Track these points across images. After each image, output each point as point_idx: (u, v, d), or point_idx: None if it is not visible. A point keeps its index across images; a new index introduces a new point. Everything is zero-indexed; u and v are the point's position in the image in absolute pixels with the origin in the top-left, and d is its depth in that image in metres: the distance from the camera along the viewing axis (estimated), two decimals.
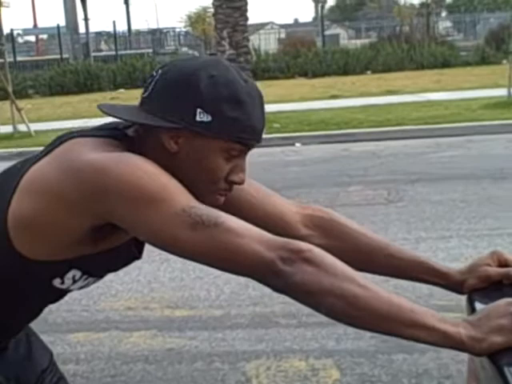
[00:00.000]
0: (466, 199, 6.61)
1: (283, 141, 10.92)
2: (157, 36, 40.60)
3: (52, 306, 1.70)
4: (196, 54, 25.07)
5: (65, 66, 23.60)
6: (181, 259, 1.39)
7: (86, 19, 29.14)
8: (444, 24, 49.99)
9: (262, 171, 7.55)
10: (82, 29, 30.35)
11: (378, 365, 3.52)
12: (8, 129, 13.11)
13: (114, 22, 30.40)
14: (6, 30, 27.87)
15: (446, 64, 21.95)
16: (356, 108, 13.53)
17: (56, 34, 30.34)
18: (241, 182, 1.48)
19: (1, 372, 1.64)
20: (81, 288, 1.57)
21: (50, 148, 1.45)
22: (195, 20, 25.15)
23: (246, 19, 12.45)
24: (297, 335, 3.91)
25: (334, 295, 1.26)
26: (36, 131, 12.95)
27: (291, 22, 71.22)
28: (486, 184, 7.14)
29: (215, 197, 1.47)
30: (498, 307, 1.26)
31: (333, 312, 1.29)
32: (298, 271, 1.27)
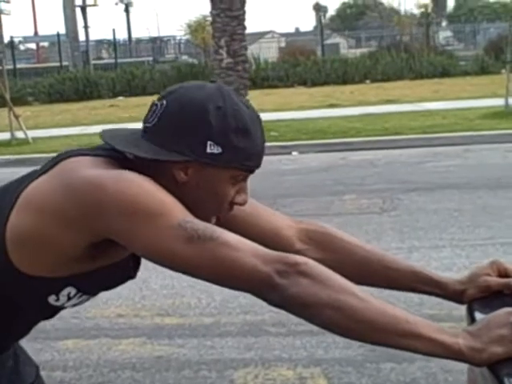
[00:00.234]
0: (460, 208, 6.61)
1: (280, 149, 10.91)
2: (157, 44, 40.76)
3: None
4: (195, 61, 25.08)
5: (64, 73, 23.66)
6: None
7: (85, 27, 29.25)
8: (444, 34, 50.12)
9: (258, 179, 7.50)
10: (82, 37, 30.49)
11: (366, 374, 3.51)
12: (6, 136, 13.12)
13: (113, 30, 30.47)
14: (6, 38, 28.02)
15: (445, 73, 21.96)
16: (354, 117, 13.54)
17: (57, 41, 30.41)
18: (243, 203, 1.51)
19: None
20: (74, 305, 1.58)
21: (48, 166, 1.47)
22: (195, 28, 25.19)
23: (244, 28, 12.47)
24: (286, 344, 3.90)
25: (331, 307, 1.26)
26: (34, 138, 12.96)
27: (292, 30, 71.45)
28: (481, 193, 7.13)
29: (213, 218, 1.50)
30: (498, 317, 1.25)
31: (330, 324, 1.29)
32: (293, 284, 1.28)
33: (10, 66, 26.24)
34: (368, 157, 10.03)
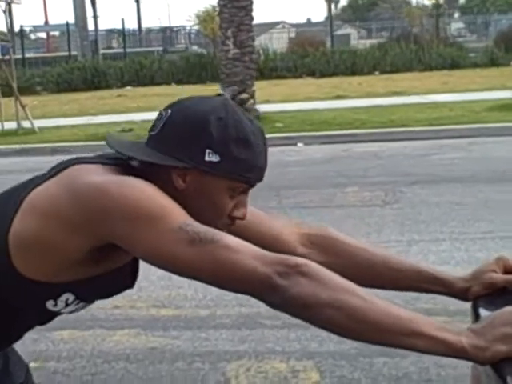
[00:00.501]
0: (462, 202, 6.58)
1: (285, 140, 10.90)
2: (167, 34, 40.70)
3: None
4: (204, 52, 25.05)
5: (73, 63, 23.68)
6: None
7: (95, 16, 29.24)
8: (456, 25, 49.85)
9: None
10: (92, 26, 30.50)
11: (359, 368, 3.50)
12: (12, 125, 13.15)
13: (122, 20, 30.57)
14: (16, 27, 28.05)
15: (454, 65, 21.87)
16: (360, 108, 13.49)
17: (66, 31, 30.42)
18: (243, 218, 1.52)
19: None
20: (71, 312, 1.60)
21: (53, 172, 1.50)
22: (204, 19, 25.16)
23: (251, 19, 12.43)
24: (280, 336, 3.89)
25: (332, 307, 1.26)
26: (40, 128, 12.99)
27: (304, 21, 71.29)
28: (484, 187, 7.10)
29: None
30: (503, 315, 1.24)
31: (331, 325, 1.29)
32: (294, 285, 1.28)
33: (20, 56, 26.31)
34: (372, 149, 10.00)
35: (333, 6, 52.05)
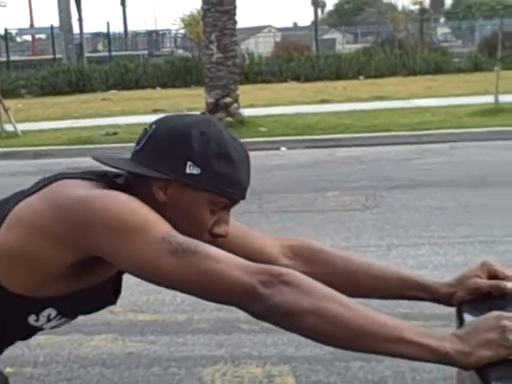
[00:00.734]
0: (442, 206, 6.61)
1: (269, 145, 10.93)
2: (153, 38, 40.63)
3: None
4: (189, 55, 25.02)
5: (57, 66, 23.59)
6: None
7: (80, 20, 29.15)
8: (442, 30, 50.04)
9: None
10: (77, 29, 30.37)
11: (335, 372, 3.51)
12: None
13: (107, 23, 30.42)
14: (1, 30, 27.90)
15: (438, 70, 21.96)
16: (344, 113, 13.53)
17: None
18: (225, 235, 1.54)
19: None
20: (52, 328, 1.61)
21: (37, 187, 1.52)
22: (189, 22, 25.15)
23: (235, 23, 12.43)
24: (257, 341, 3.90)
25: (315, 314, 1.26)
26: (23, 131, 12.93)
27: (290, 25, 71.36)
28: (464, 191, 7.14)
29: None
30: (487, 320, 1.25)
31: (315, 333, 1.29)
32: (277, 293, 1.28)
33: (4, 58, 26.21)
34: (355, 153, 10.03)
35: (319, 11, 52.24)
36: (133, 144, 1.58)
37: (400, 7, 37.14)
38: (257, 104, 15.22)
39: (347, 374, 3.49)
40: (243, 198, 1.53)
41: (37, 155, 11.12)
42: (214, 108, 12.21)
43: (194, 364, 3.66)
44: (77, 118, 15.02)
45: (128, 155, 1.58)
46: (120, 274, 1.61)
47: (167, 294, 4.64)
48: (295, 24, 72.75)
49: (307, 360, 3.65)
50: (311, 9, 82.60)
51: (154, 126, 1.52)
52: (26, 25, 46.74)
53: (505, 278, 1.51)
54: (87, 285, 1.52)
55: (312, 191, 7.61)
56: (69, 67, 22.99)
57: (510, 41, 17.53)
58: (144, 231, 1.36)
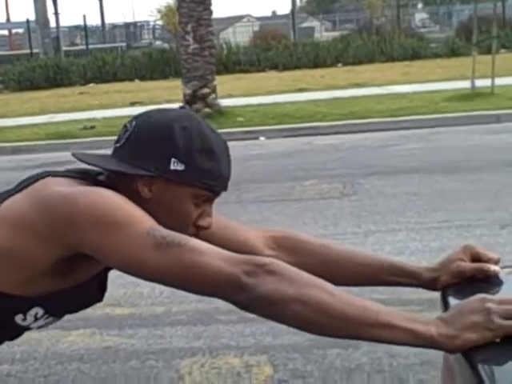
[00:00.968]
0: (419, 192, 6.66)
1: (247, 134, 10.93)
2: (131, 30, 40.39)
3: None
4: (167, 47, 24.88)
5: (34, 60, 23.38)
6: None
7: (56, 13, 28.88)
8: (420, 16, 50.11)
9: None
10: (54, 23, 30.12)
11: (312, 360, 3.54)
12: None
13: (84, 16, 30.20)
14: None
15: (415, 56, 21.98)
16: (321, 101, 13.53)
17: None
18: (208, 227, 1.56)
19: None
20: (40, 327, 1.62)
21: (22, 185, 1.54)
22: (165, 13, 24.99)
23: (211, 13, 12.39)
24: (235, 331, 3.91)
25: (299, 302, 1.27)
26: (1, 127, 12.87)
27: (269, 14, 71.11)
28: (439, 177, 7.19)
29: None
30: (472, 303, 1.25)
31: (299, 321, 1.29)
32: (261, 283, 1.29)
33: None
34: (333, 141, 10.05)
35: None
36: (111, 138, 1.60)
37: None
38: (235, 94, 15.19)
39: (324, 361, 3.52)
40: (225, 189, 1.55)
41: (15, 151, 11.07)
42: (191, 99, 12.17)
43: (172, 356, 3.67)
44: (54, 112, 14.92)
45: (107, 150, 1.59)
46: (106, 271, 1.62)
47: (145, 287, 4.64)
48: (274, 13, 72.50)
49: (285, 348, 3.67)
50: None
51: (133, 123, 1.53)
52: (3, 19, 46.36)
53: (488, 261, 1.51)
54: (74, 283, 1.53)
55: (290, 180, 7.63)
56: (46, 62, 22.77)
57: (486, 25, 17.56)
58: (128, 226, 1.37)
